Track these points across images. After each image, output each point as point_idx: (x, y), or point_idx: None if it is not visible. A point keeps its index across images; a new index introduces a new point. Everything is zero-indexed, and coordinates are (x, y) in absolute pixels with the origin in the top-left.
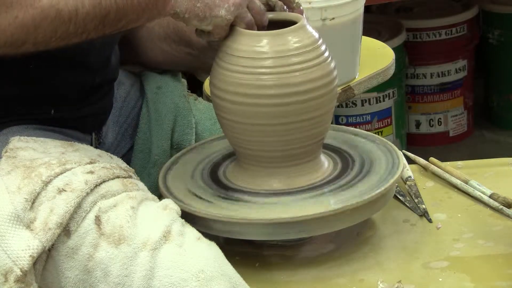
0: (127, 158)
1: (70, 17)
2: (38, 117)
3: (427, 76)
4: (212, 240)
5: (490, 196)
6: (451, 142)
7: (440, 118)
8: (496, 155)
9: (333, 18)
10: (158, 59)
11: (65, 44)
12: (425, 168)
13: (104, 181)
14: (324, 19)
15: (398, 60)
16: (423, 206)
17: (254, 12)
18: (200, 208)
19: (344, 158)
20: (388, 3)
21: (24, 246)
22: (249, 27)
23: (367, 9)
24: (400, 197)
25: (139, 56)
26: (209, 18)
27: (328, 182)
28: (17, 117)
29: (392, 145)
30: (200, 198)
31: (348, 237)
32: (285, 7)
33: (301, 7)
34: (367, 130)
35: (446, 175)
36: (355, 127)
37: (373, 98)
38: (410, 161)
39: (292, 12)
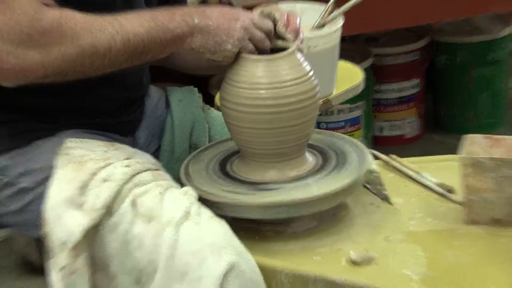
0: (155, 155)
1: (105, 53)
2: (85, 123)
3: (389, 91)
4: (222, 218)
5: (437, 184)
6: (407, 142)
7: (399, 124)
8: (442, 153)
9: (316, 46)
10: (203, 65)
11: (101, 73)
12: (386, 163)
13: (138, 173)
14: (309, 47)
15: (366, 79)
16: (385, 192)
17: (255, 41)
18: (213, 193)
19: (324, 155)
20: (359, 34)
21: (77, 223)
22: (251, 53)
23: (343, 39)
24: (368, 185)
25: (185, 66)
26: (219, 52)
27: (312, 174)
28: (68, 123)
29: (362, 144)
30: (213, 186)
31: (328, 216)
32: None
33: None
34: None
35: (403, 168)
36: (333, 131)
37: (346, 108)
38: (375, 157)
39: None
